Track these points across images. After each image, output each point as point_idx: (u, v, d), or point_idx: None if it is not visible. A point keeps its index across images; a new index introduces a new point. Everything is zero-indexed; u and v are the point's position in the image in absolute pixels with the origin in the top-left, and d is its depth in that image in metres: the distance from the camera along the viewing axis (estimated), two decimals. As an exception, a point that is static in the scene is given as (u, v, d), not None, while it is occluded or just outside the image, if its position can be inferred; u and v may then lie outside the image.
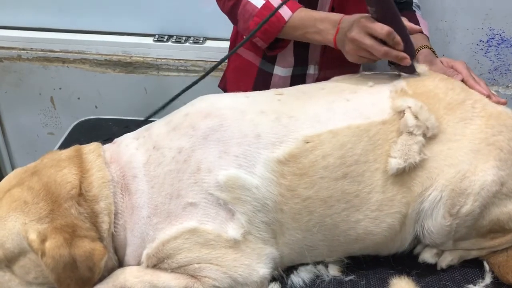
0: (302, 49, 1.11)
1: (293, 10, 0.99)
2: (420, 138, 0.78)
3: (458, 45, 1.48)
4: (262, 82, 1.17)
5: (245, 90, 1.20)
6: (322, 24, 0.95)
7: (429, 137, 0.80)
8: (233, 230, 0.75)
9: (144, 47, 1.56)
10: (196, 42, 1.55)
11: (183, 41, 1.55)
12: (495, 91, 1.52)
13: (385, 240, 0.82)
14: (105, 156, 0.81)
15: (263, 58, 1.15)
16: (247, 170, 0.77)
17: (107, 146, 0.84)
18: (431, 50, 1.06)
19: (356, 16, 0.89)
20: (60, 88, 1.66)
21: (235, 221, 0.76)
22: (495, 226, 0.82)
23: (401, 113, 0.81)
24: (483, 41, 1.46)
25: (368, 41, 0.85)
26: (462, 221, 0.79)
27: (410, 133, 0.79)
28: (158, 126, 0.83)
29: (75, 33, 1.59)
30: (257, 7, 1.02)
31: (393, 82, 0.87)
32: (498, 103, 0.88)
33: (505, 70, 1.49)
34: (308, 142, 0.78)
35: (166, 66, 1.57)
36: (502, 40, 1.45)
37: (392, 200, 0.80)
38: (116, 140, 0.86)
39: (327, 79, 1.06)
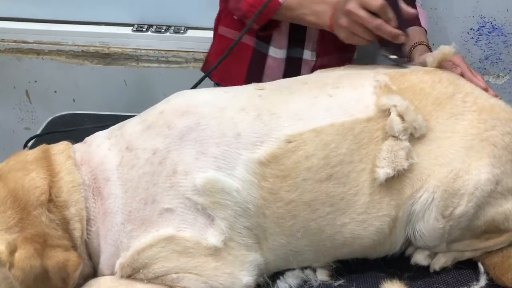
0: (297, 31, 1.07)
1: None
2: (406, 144, 0.74)
3: (448, 33, 1.44)
4: (256, 64, 1.12)
5: (238, 75, 1.17)
6: (319, 5, 0.93)
7: (418, 137, 0.76)
8: (213, 237, 0.71)
9: (123, 38, 1.50)
10: (177, 31, 1.48)
11: (163, 30, 1.49)
12: (486, 81, 1.49)
13: (374, 244, 0.78)
14: (75, 157, 0.76)
15: (257, 37, 1.11)
16: (226, 172, 0.72)
17: (78, 146, 0.79)
18: (427, 47, 1.02)
19: None
20: (35, 81, 1.59)
21: (215, 227, 0.71)
22: (490, 227, 0.78)
23: (386, 111, 0.77)
24: (473, 30, 1.42)
25: (362, 13, 0.83)
26: (456, 223, 0.76)
27: (396, 137, 0.74)
28: (131, 125, 0.78)
29: (49, 23, 1.52)
30: None
31: (377, 77, 0.83)
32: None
33: (496, 59, 1.46)
34: (290, 142, 0.74)
35: (146, 57, 1.51)
36: (493, 28, 1.41)
37: (380, 203, 0.76)
38: (87, 139, 0.81)
39: (323, 67, 1.02)
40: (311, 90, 0.82)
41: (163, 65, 1.52)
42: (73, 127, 1.10)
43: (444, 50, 0.87)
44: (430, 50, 1.03)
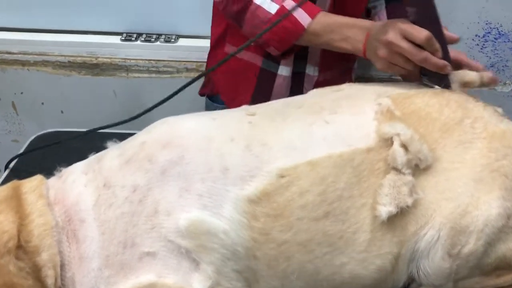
0: (302, 49, 1.01)
1: (312, 15, 0.90)
2: (410, 178, 0.68)
3: (452, 40, 1.37)
4: (265, 84, 1.06)
5: (245, 95, 1.11)
6: (350, 30, 0.87)
7: (423, 169, 0.70)
8: (198, 283, 0.64)
9: (111, 47, 1.44)
10: (167, 40, 1.42)
11: (153, 39, 1.43)
12: (491, 88, 1.42)
13: (375, 283, 0.72)
14: (49, 195, 0.69)
15: (266, 57, 1.05)
16: (213, 211, 0.66)
17: (52, 181, 0.72)
18: None
19: (390, 20, 0.82)
20: (21, 93, 1.53)
21: (200, 272, 0.65)
22: (501, 263, 0.72)
23: (388, 140, 0.70)
24: (479, 36, 1.35)
25: (405, 44, 0.76)
26: (464, 262, 0.69)
27: (399, 171, 0.68)
28: (110, 157, 0.72)
29: (34, 33, 1.46)
30: (270, 13, 0.92)
31: (378, 100, 0.76)
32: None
33: (503, 66, 1.39)
34: (283, 177, 0.67)
35: (136, 67, 1.45)
36: (499, 34, 1.34)
37: (382, 240, 0.69)
38: (63, 172, 0.74)
39: (326, 82, 0.96)
40: (306, 116, 0.75)
41: (153, 75, 1.45)
42: (57, 144, 1.05)
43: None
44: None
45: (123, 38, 1.43)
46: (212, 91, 1.18)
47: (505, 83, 1.42)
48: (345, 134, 0.72)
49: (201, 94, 1.22)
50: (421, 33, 0.76)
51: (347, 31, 0.88)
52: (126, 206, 0.66)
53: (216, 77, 1.15)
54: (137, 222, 0.66)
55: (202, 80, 1.22)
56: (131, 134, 0.83)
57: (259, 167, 0.68)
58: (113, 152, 0.72)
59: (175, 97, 1.43)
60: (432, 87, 0.81)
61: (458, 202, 0.69)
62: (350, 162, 0.69)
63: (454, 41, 0.81)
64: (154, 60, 1.43)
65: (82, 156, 0.82)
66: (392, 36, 0.78)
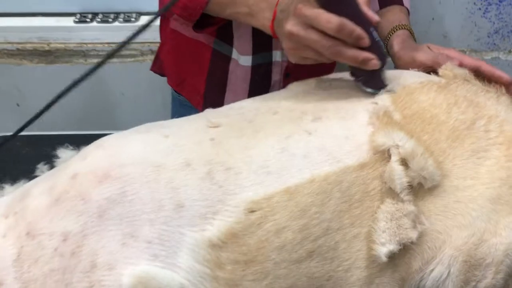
0: (263, 33, 0.85)
1: None
2: (411, 208, 0.54)
3: (450, 5, 1.21)
4: (217, 68, 0.91)
5: (196, 82, 0.96)
6: (256, 3, 0.69)
7: (428, 189, 0.57)
8: None
9: (64, 31, 1.26)
10: (127, 20, 1.24)
11: (111, 19, 1.25)
12: (495, 57, 1.28)
13: (372, 325, 0.60)
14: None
15: (217, 36, 0.89)
16: (165, 262, 0.52)
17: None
18: (410, 32, 0.80)
19: None
20: (-29, 87, 1.37)
21: (153, 338, 0.52)
22: (523, 298, 0.60)
23: (384, 153, 0.57)
24: (481, -1, 1.20)
25: (312, 36, 0.59)
26: (479, 300, 0.57)
27: (397, 196, 0.54)
28: (38, 193, 0.57)
29: (-25, 18, 1.28)
30: None
31: (374, 98, 0.62)
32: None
33: (508, 32, 1.23)
34: (253, 211, 0.53)
35: (94, 52, 1.28)
36: (504, -4, 1.18)
37: (380, 277, 0.56)
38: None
39: (298, 66, 0.80)
40: (283, 125, 0.60)
41: (115, 60, 1.29)
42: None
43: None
44: (412, 35, 0.81)
45: (77, 20, 1.25)
46: (161, 70, 1.03)
47: (510, 51, 1.27)
48: (332, 147, 0.57)
49: (153, 70, 1.08)
50: (329, 20, 0.57)
51: (253, 4, 0.70)
52: (56, 260, 0.52)
53: (163, 56, 1.00)
54: (70, 280, 0.51)
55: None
56: (89, 137, 0.69)
57: (222, 200, 0.54)
58: (41, 186, 0.58)
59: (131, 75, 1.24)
60: (364, 91, 0.63)
61: (473, 229, 0.56)
62: (338, 185, 0.55)
63: (374, 22, 0.61)
64: (114, 43, 1.25)
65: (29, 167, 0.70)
66: (293, 26, 0.60)
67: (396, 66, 0.81)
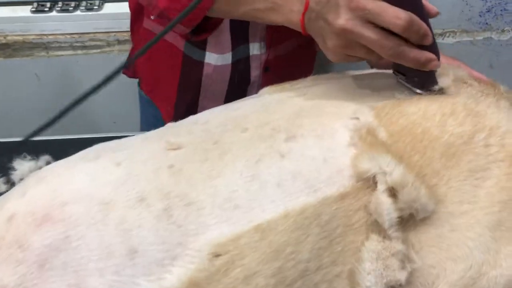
0: (240, 25, 0.76)
1: None
2: (400, 247, 0.46)
3: (440, -17, 1.12)
4: (191, 74, 0.82)
5: (169, 87, 0.87)
6: None
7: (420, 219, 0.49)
8: None
9: (21, 21, 1.15)
10: (90, 8, 1.14)
11: (72, 8, 1.14)
12: (487, 37, 1.20)
13: None
14: None
15: (188, 41, 0.80)
16: (118, 319, 0.45)
17: None
18: None
19: None
20: None
21: None
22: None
23: (369, 180, 0.49)
24: (472, -24, 1.11)
25: (372, 34, 0.50)
26: None
27: (384, 233, 0.47)
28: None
29: None
30: None
31: (355, 112, 0.54)
32: None
33: (501, 10, 1.15)
34: (218, 256, 0.46)
35: (56, 44, 1.17)
36: (498, -27, 1.10)
37: (367, 317, 0.50)
38: None
39: (281, 60, 0.73)
40: (252, 146, 0.52)
41: (79, 51, 1.19)
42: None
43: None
44: None
45: (34, 9, 1.14)
46: (134, 73, 0.95)
47: (503, 30, 1.19)
48: (309, 173, 0.50)
49: (125, 74, 0.99)
50: (397, 16, 0.49)
51: None
52: (-11, 322, 0.45)
53: (138, 59, 0.91)
54: None
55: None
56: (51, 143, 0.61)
57: (183, 243, 0.46)
58: (-27, 227, 0.50)
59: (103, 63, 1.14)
60: (413, 91, 0.57)
61: (470, 262, 0.49)
62: (316, 219, 0.48)
63: (433, 15, 0.55)
64: (76, 33, 1.15)
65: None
66: (348, 20, 0.51)
67: (371, 65, 0.73)
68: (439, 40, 1.19)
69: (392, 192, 0.47)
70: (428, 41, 0.52)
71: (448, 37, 1.17)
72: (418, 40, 0.51)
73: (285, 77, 0.66)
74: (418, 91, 0.56)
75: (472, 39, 1.18)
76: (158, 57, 0.86)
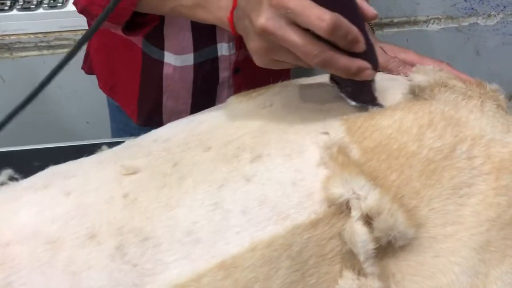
0: (204, 25, 0.71)
1: None
2: (376, 285, 0.42)
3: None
4: (151, 72, 0.77)
5: (130, 85, 0.82)
6: None
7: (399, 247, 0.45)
8: None
9: (-20, 21, 1.09)
10: (53, 6, 1.07)
11: (34, 6, 1.07)
12: (473, 23, 1.15)
13: None
14: None
15: (145, 37, 0.74)
16: None
17: None
18: (370, 26, 0.68)
19: None
20: None
21: None
22: None
23: (342, 205, 0.45)
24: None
25: (295, 37, 0.44)
26: None
27: (359, 265, 0.42)
28: None
29: None
30: None
31: (325, 125, 0.49)
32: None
33: (487, -6, 1.11)
34: (179, 298, 0.42)
35: (19, 45, 1.11)
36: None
37: None
38: None
39: (248, 60, 0.67)
40: (215, 168, 0.48)
41: (45, 51, 1.12)
42: None
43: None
44: (372, 30, 0.69)
45: (-6, 8, 1.08)
46: (90, 69, 0.89)
47: (489, 15, 1.14)
48: (276, 198, 0.45)
49: (84, 69, 0.93)
50: (321, 17, 0.43)
51: None
52: None
53: (93, 54, 0.86)
54: None
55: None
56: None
57: (139, 284, 0.41)
58: None
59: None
60: (350, 104, 0.51)
61: (456, 289, 0.46)
62: (287, 250, 0.44)
63: (370, 18, 0.48)
64: (41, 33, 1.09)
65: None
66: (268, 20, 0.44)
67: None
68: (423, 28, 1.15)
69: (367, 219, 0.43)
70: (358, 48, 0.45)
71: (432, 24, 1.12)
72: (347, 46, 0.45)
73: (257, 78, 0.61)
74: (352, 103, 0.50)
75: (457, 25, 1.14)
76: (116, 54, 0.80)
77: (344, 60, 0.45)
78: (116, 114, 0.89)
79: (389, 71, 0.58)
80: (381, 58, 0.59)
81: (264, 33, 0.45)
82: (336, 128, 0.48)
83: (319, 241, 0.44)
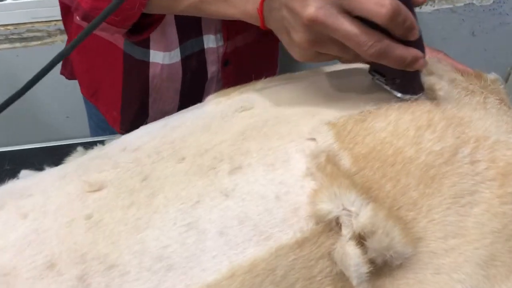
0: (185, 16, 0.65)
1: None
2: None
3: None
4: (135, 75, 0.72)
5: (111, 87, 0.76)
6: None
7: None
8: None
9: None
10: (22, -5, 1.01)
11: (2, -4, 1.01)
12: (468, 3, 1.09)
13: None
14: None
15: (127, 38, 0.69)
16: None
17: None
18: None
19: None
20: None
21: None
22: None
23: (331, 222, 0.40)
24: None
25: (349, 27, 0.40)
26: None
27: None
28: None
29: None
30: None
31: (312, 130, 0.44)
32: None
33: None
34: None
35: (-11, 38, 1.05)
36: None
37: None
38: None
39: (237, 51, 0.62)
40: (190, 182, 0.42)
41: (17, 44, 1.06)
42: None
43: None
44: None
45: (-41, 0, 1.01)
46: (72, 75, 0.83)
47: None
48: (258, 216, 0.40)
49: (63, 74, 0.87)
50: (381, 3, 0.39)
51: None
52: None
53: (73, 57, 0.80)
54: None
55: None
56: None
57: (102, 321, 0.38)
58: None
59: (46, 56, 1.04)
60: (394, 95, 0.46)
61: (459, 310, 0.41)
62: (270, 276, 0.39)
63: (420, 2, 0.44)
64: (11, 24, 1.02)
65: None
66: (320, 9, 0.40)
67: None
68: (416, 10, 1.09)
69: (360, 239, 0.38)
70: (413, 36, 0.42)
71: (426, 5, 1.06)
72: (404, 34, 0.41)
73: (247, 72, 0.57)
74: (399, 95, 0.46)
75: (452, 6, 1.07)
76: (96, 57, 0.75)
77: (400, 50, 0.41)
78: (93, 111, 0.83)
79: None
80: None
81: (314, 24, 0.41)
82: (324, 134, 0.43)
83: (306, 262, 0.39)
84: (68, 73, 0.84)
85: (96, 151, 0.50)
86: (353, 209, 0.38)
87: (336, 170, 0.40)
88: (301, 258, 0.39)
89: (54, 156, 0.60)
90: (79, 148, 0.57)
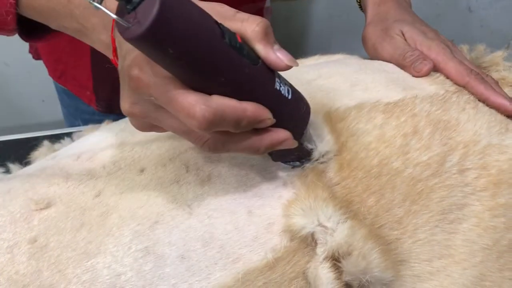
0: None
1: None
2: None
3: None
4: (104, 59, 0.65)
5: (80, 73, 0.70)
6: (83, 15, 0.41)
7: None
8: None
9: None
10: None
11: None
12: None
13: None
14: None
15: None
16: None
17: None
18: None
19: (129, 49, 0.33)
20: None
21: None
22: None
23: (307, 238, 0.36)
24: None
25: (172, 123, 0.33)
26: None
27: None
28: None
29: None
30: None
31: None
32: None
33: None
34: None
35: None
36: None
37: None
38: None
39: None
40: (147, 200, 0.37)
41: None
42: None
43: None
44: (410, 6, 0.58)
45: None
46: (38, 55, 0.77)
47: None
48: (225, 235, 0.36)
49: (31, 53, 0.81)
50: (191, 113, 0.30)
51: (81, 17, 0.41)
52: None
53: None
54: None
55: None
56: None
57: None
58: None
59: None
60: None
61: (445, 335, 0.38)
62: (236, 304, 0.36)
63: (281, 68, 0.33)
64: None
65: None
66: (135, 105, 0.33)
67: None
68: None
69: (335, 260, 0.34)
70: (264, 125, 0.33)
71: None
72: (247, 129, 0.33)
73: None
74: (284, 164, 0.39)
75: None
76: (61, 39, 0.69)
77: (246, 143, 0.33)
78: (64, 98, 0.78)
79: (402, 67, 0.48)
80: (397, 50, 0.49)
81: (133, 117, 0.34)
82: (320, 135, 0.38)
83: (279, 285, 0.35)
84: (35, 53, 0.78)
85: (47, 161, 0.45)
86: (328, 225, 0.34)
87: (317, 179, 0.36)
88: (272, 280, 0.35)
89: (18, 150, 0.55)
90: (46, 143, 0.53)
